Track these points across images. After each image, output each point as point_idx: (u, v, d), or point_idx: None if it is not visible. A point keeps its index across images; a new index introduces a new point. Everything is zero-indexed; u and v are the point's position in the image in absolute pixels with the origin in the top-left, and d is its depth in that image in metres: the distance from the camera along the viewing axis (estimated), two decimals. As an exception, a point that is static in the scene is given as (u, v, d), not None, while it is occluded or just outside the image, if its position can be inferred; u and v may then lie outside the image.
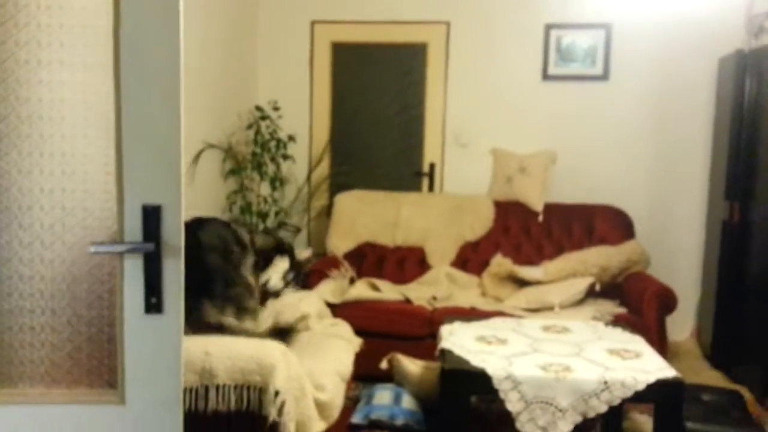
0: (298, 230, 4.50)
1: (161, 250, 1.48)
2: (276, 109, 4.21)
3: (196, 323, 2.53)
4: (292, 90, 4.52)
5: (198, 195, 3.70)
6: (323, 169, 4.56)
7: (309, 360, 2.63)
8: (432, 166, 4.54)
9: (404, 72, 4.51)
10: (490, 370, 2.49)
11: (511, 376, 2.47)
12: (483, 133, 4.44)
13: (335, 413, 2.52)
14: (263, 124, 4.14)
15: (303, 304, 3.11)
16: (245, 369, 2.37)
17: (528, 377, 2.46)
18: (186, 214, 1.54)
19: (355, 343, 3.08)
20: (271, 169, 4.19)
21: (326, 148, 4.55)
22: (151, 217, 1.47)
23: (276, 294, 3.07)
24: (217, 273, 2.68)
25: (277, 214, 4.23)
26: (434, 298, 3.76)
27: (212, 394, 2.37)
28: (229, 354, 2.39)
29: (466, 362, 2.59)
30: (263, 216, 4.14)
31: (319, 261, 4.00)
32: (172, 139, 1.46)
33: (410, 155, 4.55)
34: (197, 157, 3.63)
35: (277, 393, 2.31)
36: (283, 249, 3.13)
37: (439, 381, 2.66)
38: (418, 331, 3.56)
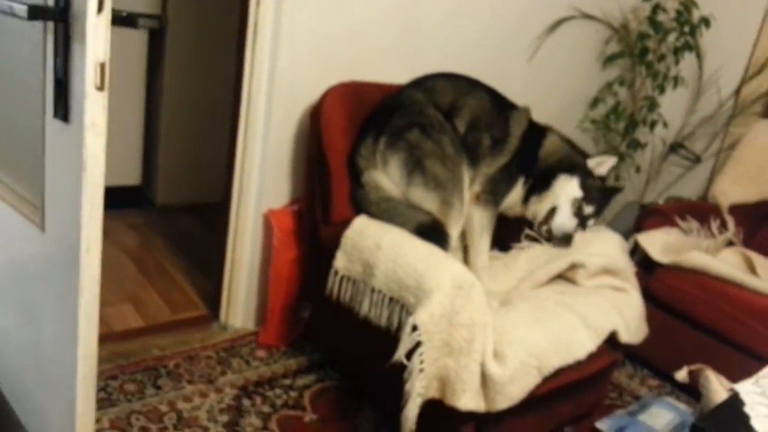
0: (697, 159, 3.26)
1: (69, 22, 1.04)
2: (699, -23, 2.93)
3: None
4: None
5: (549, 78, 2.94)
6: (763, 80, 3.09)
7: (513, 316, 1.84)
8: None
9: None
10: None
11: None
12: None
13: (501, 401, 1.70)
14: (671, -3, 2.96)
15: (588, 249, 2.16)
16: (403, 282, 1.80)
17: None
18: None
19: (630, 332, 2.04)
20: (666, 63, 3.03)
21: (779, 50, 3.03)
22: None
23: (565, 239, 2.17)
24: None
25: (652, 125, 3.10)
26: (841, 317, 2.21)
27: (367, 295, 1.89)
28: (395, 256, 1.84)
29: (744, 425, 1.38)
30: (633, 125, 3.08)
31: (680, 204, 2.82)
32: None
33: None
34: (554, 26, 2.84)
35: (414, 328, 1.68)
36: (573, 166, 2.20)
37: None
38: (778, 352, 2.17)
